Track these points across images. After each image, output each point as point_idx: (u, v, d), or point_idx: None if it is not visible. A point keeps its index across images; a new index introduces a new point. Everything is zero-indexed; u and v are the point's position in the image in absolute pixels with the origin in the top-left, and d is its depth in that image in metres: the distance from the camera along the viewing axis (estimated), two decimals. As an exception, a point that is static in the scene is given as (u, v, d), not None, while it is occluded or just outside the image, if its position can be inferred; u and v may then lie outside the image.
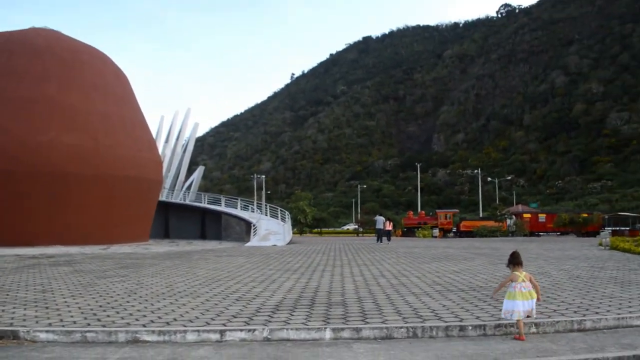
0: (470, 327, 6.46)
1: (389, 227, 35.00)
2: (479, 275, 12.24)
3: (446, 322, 6.64)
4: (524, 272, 6.34)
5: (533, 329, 6.57)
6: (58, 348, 5.85)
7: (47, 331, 6.18)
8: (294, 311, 7.40)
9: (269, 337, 6.16)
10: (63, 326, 6.39)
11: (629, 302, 8.16)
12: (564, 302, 8.19)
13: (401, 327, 6.36)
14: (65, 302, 8.37)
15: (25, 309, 7.74)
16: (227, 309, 7.58)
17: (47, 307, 7.83)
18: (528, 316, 6.24)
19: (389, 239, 34.17)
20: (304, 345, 5.97)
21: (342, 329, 6.28)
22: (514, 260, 6.38)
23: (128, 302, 8.34)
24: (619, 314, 7.15)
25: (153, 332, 6.13)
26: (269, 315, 7.04)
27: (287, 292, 9.41)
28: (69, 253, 22.19)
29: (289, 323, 6.53)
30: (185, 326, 6.37)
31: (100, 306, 7.91)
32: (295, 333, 6.20)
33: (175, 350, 5.73)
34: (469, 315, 7.07)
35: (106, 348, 5.84)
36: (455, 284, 10.67)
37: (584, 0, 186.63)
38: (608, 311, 7.35)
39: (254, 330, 6.19)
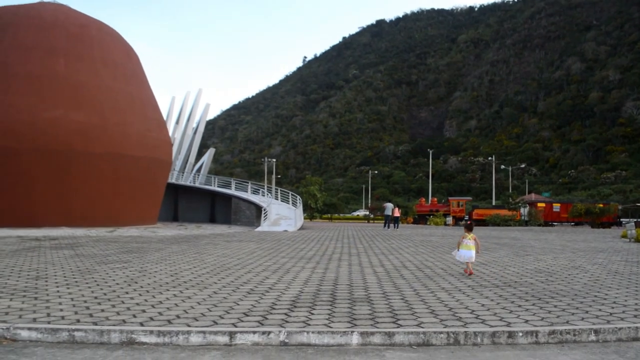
0: (520, 334, 5.54)
1: (397, 213, 34.66)
2: (509, 269, 11.30)
3: (491, 326, 5.72)
4: (471, 234, 9.91)
5: (592, 337, 5.65)
6: (40, 349, 5.00)
7: (29, 328, 5.33)
8: (314, 308, 6.50)
9: (286, 341, 5.27)
10: (49, 322, 5.54)
11: (692, 304, 7.21)
12: (616, 303, 7.26)
13: (440, 332, 5.45)
14: (58, 292, 7.53)
15: (11, 299, 6.91)
16: (238, 304, 6.70)
17: (36, 298, 6.99)
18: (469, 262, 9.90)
19: (396, 226, 33.81)
20: (327, 352, 5.08)
21: (372, 333, 5.37)
22: (468, 227, 10.32)
23: (127, 293, 7.48)
24: (688, 320, 6.20)
25: (152, 332, 5.26)
26: (285, 314, 6.15)
27: (303, 284, 8.52)
28: (74, 235, 21.47)
29: (309, 324, 5.63)
30: (189, 325, 5.50)
31: (96, 297, 7.06)
32: (317, 337, 5.30)
33: (177, 356, 4.86)
34: (514, 318, 6.15)
35: (96, 351, 4.99)
36: (486, 277, 9.76)
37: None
38: (673, 316, 6.40)
39: (269, 332, 5.30)
